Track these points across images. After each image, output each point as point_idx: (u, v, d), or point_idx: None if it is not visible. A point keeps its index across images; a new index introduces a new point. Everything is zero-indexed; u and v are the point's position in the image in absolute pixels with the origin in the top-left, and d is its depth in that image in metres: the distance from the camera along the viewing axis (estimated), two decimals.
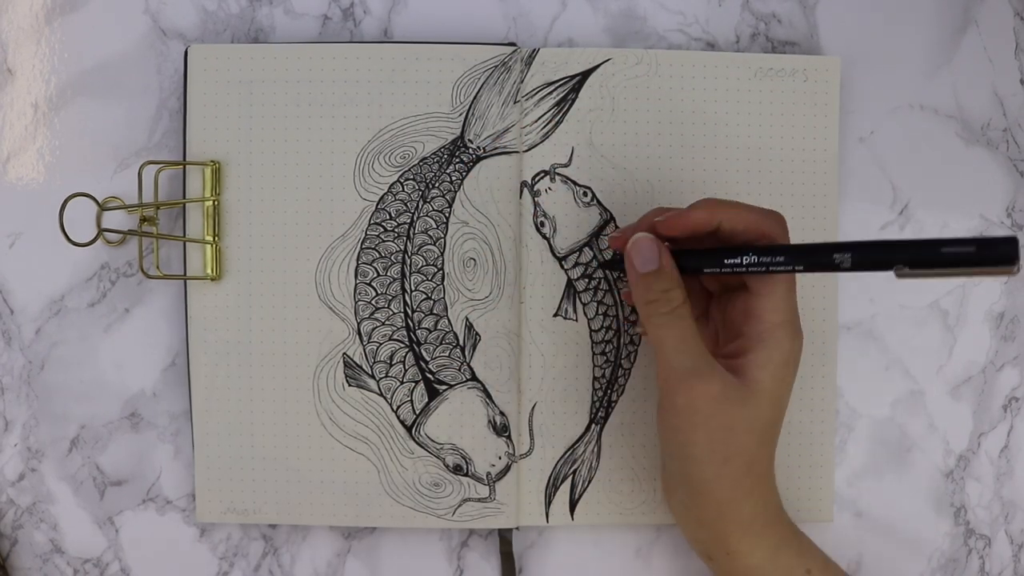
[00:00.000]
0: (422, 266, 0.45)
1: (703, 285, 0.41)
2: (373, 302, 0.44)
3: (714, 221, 0.37)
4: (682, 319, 0.37)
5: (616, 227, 0.45)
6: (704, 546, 0.40)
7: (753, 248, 0.36)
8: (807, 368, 0.45)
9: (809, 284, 0.45)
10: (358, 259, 0.45)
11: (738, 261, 0.36)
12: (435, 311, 0.44)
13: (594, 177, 0.45)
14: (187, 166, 0.44)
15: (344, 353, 0.44)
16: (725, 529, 0.38)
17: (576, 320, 0.45)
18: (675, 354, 0.37)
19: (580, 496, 0.45)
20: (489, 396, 0.45)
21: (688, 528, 0.40)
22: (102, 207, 0.44)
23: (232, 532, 0.46)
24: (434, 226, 0.45)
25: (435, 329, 0.44)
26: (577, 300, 0.45)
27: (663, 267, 0.37)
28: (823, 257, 0.34)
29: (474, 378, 0.45)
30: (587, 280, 0.45)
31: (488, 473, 0.45)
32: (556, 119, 0.45)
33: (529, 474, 0.45)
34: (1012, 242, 0.30)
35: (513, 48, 0.44)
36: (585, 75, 0.45)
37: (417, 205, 0.45)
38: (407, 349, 0.44)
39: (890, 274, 0.32)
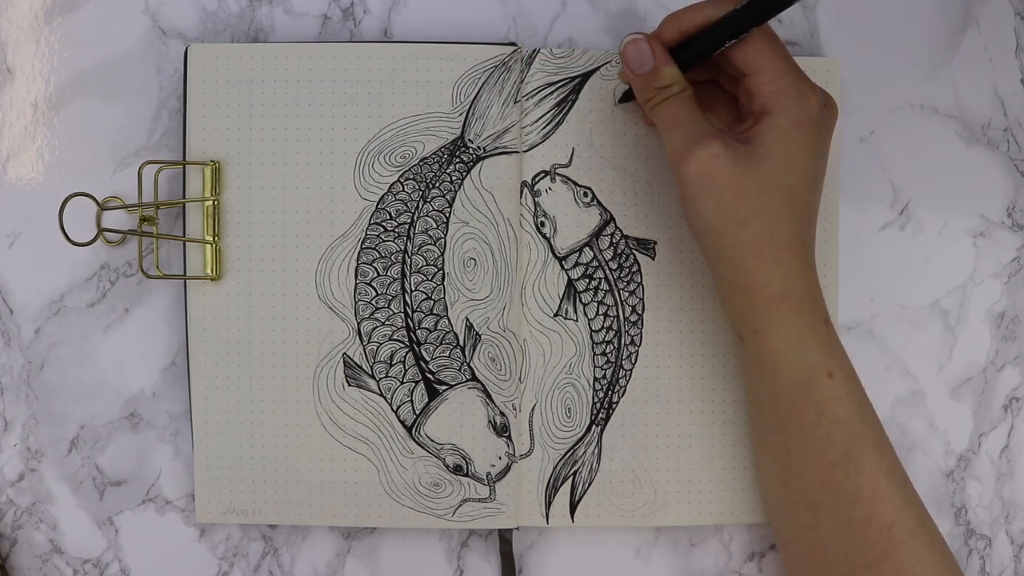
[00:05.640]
0: (422, 266, 0.45)
1: (729, 95, 0.42)
2: (373, 302, 0.44)
3: (705, 15, 0.38)
4: (680, 100, 0.39)
5: (616, 227, 0.45)
6: (736, 322, 0.40)
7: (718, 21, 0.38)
8: None
9: None
10: (358, 259, 0.44)
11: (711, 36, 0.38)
12: (435, 311, 0.44)
13: (594, 177, 0.45)
14: (187, 166, 0.44)
15: (344, 353, 0.44)
16: (755, 302, 0.38)
17: (576, 320, 0.45)
18: (675, 129, 0.38)
19: (580, 498, 0.45)
20: (489, 396, 0.45)
21: (724, 304, 0.40)
22: (102, 207, 0.44)
23: (232, 532, 0.46)
24: (434, 226, 0.45)
25: (435, 329, 0.44)
26: (577, 300, 0.45)
27: (657, 65, 0.39)
28: None
29: (474, 378, 0.45)
30: (587, 280, 0.45)
31: (488, 473, 0.45)
32: (556, 119, 0.45)
33: (529, 475, 0.45)
34: None
35: (514, 48, 0.44)
36: (586, 76, 0.45)
37: (417, 205, 0.45)
38: (407, 349, 0.44)
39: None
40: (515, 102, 0.45)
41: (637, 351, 0.45)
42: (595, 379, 0.45)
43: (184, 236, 0.45)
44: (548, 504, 0.45)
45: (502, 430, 0.45)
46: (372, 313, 0.44)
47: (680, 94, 0.39)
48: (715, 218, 0.37)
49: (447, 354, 0.45)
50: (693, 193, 0.38)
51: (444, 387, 0.45)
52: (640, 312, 0.45)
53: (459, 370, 0.45)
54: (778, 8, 0.37)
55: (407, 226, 0.45)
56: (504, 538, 0.46)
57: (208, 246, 0.44)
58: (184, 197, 0.44)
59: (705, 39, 0.38)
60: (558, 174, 0.45)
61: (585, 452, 0.45)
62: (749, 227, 0.37)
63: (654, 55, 0.39)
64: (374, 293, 0.44)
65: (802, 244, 0.38)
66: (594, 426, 0.45)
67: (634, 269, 0.45)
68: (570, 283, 0.45)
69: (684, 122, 0.38)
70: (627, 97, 0.44)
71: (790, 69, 0.38)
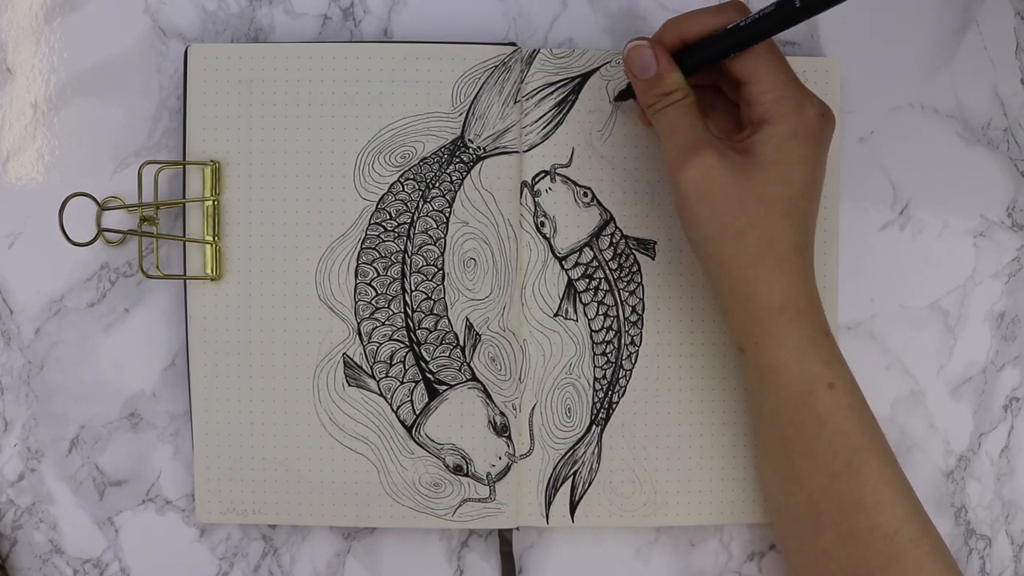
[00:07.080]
0: (422, 266, 0.45)
1: (730, 101, 0.42)
2: (373, 302, 0.44)
3: (706, 24, 0.39)
4: (681, 107, 0.39)
5: (616, 227, 0.45)
6: (737, 334, 0.39)
7: (726, 30, 0.38)
8: None
9: None
10: (358, 259, 0.44)
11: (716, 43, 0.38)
12: (435, 311, 0.44)
13: (594, 177, 0.45)
14: (187, 166, 0.44)
15: (344, 353, 0.44)
16: (755, 314, 0.38)
17: (576, 320, 0.45)
18: (673, 137, 0.38)
19: (580, 498, 0.45)
20: (489, 396, 0.45)
21: (723, 316, 0.40)
22: (102, 207, 0.44)
23: (232, 532, 0.46)
24: (434, 226, 0.45)
25: (435, 329, 0.44)
26: (577, 300, 0.45)
27: (660, 71, 0.38)
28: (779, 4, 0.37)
29: (474, 378, 0.45)
30: (587, 280, 0.45)
31: (488, 473, 0.45)
32: (556, 120, 0.45)
33: (529, 475, 0.45)
34: None
35: (514, 48, 0.44)
36: (586, 76, 0.45)
37: (417, 205, 0.45)
38: (407, 349, 0.44)
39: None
40: (515, 102, 0.45)
41: (637, 351, 0.45)
42: (595, 379, 0.45)
43: (184, 236, 0.45)
44: (548, 504, 0.45)
45: (502, 430, 0.45)
46: (372, 313, 0.44)
47: (682, 101, 0.39)
48: (712, 228, 0.37)
49: (447, 354, 0.45)
50: (690, 202, 0.37)
51: (444, 387, 0.45)
52: (640, 312, 0.45)
53: (459, 370, 0.45)
54: (786, 25, 0.37)
55: (407, 226, 0.45)
56: (504, 538, 0.46)
57: (208, 246, 0.44)
58: (184, 197, 0.44)
59: (708, 49, 0.38)
60: (558, 174, 0.45)
61: (585, 452, 0.45)
62: (747, 238, 0.37)
63: (657, 61, 0.39)
64: (374, 293, 0.44)
65: (801, 255, 0.38)
66: (594, 426, 0.45)
67: (634, 269, 0.45)
68: (570, 283, 0.45)
69: (683, 130, 0.38)
70: (623, 96, 0.44)
71: (789, 80, 0.38)
